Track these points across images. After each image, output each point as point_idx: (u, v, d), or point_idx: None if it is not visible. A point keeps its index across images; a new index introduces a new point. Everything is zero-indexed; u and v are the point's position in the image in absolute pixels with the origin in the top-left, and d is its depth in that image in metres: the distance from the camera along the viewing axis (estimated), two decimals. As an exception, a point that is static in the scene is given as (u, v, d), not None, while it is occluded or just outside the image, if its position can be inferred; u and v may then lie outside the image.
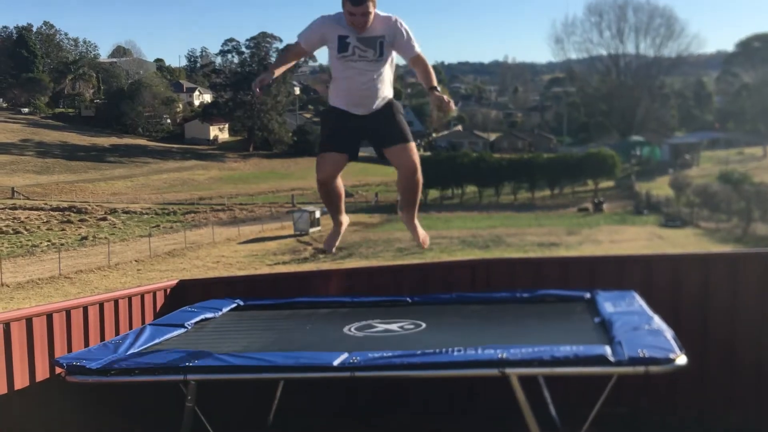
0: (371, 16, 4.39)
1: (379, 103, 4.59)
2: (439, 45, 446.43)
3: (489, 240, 35.95)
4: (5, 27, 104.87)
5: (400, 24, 4.51)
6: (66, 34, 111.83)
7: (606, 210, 52.68)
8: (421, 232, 4.87)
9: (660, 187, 58.63)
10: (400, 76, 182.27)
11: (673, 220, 43.86)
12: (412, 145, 4.66)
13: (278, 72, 4.66)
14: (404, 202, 4.86)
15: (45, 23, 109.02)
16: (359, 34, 4.43)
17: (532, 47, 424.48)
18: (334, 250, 5.09)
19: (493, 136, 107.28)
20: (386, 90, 4.63)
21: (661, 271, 5.71)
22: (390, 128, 4.60)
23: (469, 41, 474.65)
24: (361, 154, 4.77)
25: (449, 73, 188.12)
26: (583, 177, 64.81)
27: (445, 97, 4.43)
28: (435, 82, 4.49)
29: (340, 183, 4.79)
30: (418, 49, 4.54)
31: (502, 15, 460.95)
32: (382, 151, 4.64)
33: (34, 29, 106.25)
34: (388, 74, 4.62)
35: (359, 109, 4.55)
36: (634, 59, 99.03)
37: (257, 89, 4.49)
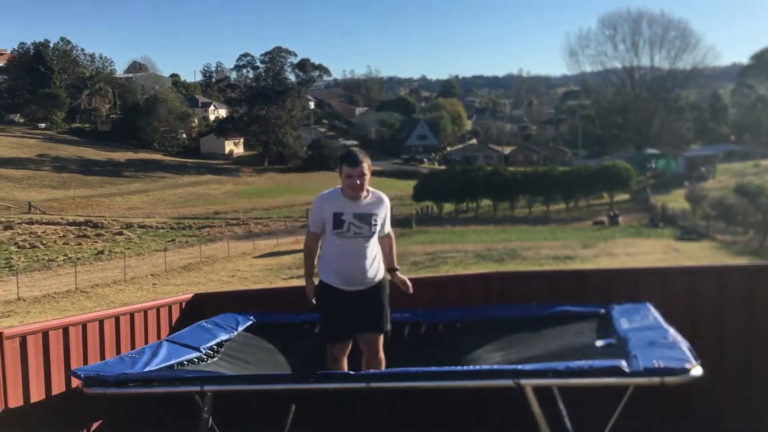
0: (367, 179, 4.70)
1: (371, 280, 4.89)
2: (453, 58, 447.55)
3: (504, 253, 35.80)
4: (23, 43, 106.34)
5: (388, 206, 4.93)
6: (82, 50, 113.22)
7: (621, 223, 52.40)
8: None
9: (676, 200, 58.31)
10: (414, 90, 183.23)
11: (689, 233, 43.55)
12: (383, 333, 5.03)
13: (312, 270, 5.10)
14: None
15: (62, 39, 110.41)
16: (356, 202, 4.73)
17: (547, 60, 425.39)
18: None
19: (507, 150, 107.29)
20: (378, 264, 4.94)
21: (677, 284, 5.68)
22: (376, 316, 4.92)
23: (484, 55, 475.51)
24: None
25: (464, 86, 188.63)
26: (598, 190, 64.57)
27: (407, 279, 5.05)
28: (396, 263, 5.08)
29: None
30: (388, 228, 4.99)
31: (517, 28, 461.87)
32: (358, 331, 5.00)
33: (51, 45, 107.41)
34: (378, 248, 4.95)
35: (353, 285, 4.84)
36: (648, 72, 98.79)
37: (314, 301, 5.00)
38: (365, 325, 4.91)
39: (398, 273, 5.07)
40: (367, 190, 4.77)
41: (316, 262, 5.05)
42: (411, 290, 5.07)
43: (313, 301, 4.96)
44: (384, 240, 4.98)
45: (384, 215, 4.86)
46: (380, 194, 4.87)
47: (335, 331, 4.95)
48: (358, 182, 4.66)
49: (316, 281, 4.99)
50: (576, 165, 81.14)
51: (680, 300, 5.55)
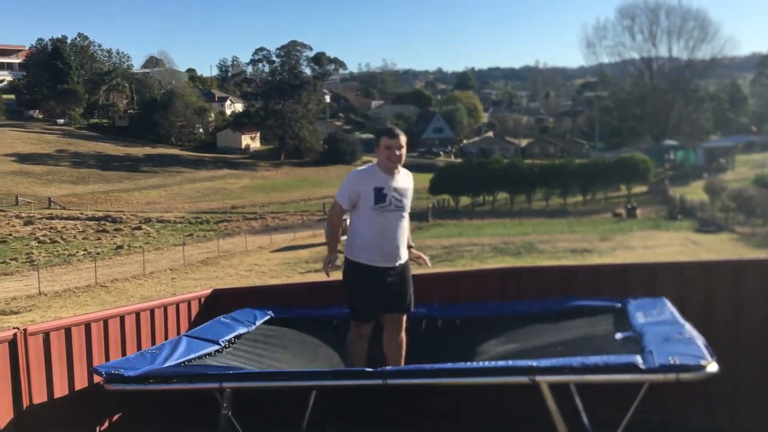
0: (404, 150, 4.84)
1: (404, 256, 5.00)
2: (469, 51, 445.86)
3: (521, 247, 35.72)
4: (41, 39, 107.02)
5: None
6: (100, 46, 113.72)
7: (639, 215, 52.10)
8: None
9: (694, 192, 57.88)
10: (430, 83, 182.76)
11: (708, 225, 43.24)
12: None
13: (337, 245, 5.14)
14: (390, 362, 5.09)
15: (79, 35, 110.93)
16: (393, 176, 4.86)
17: (564, 52, 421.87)
18: None
19: (524, 142, 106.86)
20: (407, 241, 5.06)
21: (694, 278, 5.66)
22: (405, 296, 5.05)
23: (500, 46, 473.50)
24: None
25: (480, 79, 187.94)
26: (615, 182, 64.16)
27: (422, 254, 5.22)
28: (411, 242, 5.17)
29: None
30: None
31: (533, 20, 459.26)
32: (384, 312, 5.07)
33: (69, 41, 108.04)
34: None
35: (389, 261, 4.92)
36: (667, 62, 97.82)
37: (328, 273, 5.07)
38: (394, 305, 5.00)
39: (413, 249, 5.18)
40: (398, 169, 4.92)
41: (343, 239, 5.11)
42: (429, 263, 5.24)
43: (329, 270, 5.03)
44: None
45: (412, 189, 5.04)
46: (406, 170, 5.03)
47: (367, 310, 5.00)
48: (398, 153, 4.79)
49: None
50: (593, 157, 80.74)
51: (697, 295, 5.54)
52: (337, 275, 5.17)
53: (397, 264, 4.95)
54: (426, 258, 5.27)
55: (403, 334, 5.11)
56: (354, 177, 4.93)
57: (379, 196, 4.80)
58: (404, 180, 4.96)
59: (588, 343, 4.54)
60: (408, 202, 4.97)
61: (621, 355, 3.83)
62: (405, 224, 4.98)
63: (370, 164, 4.98)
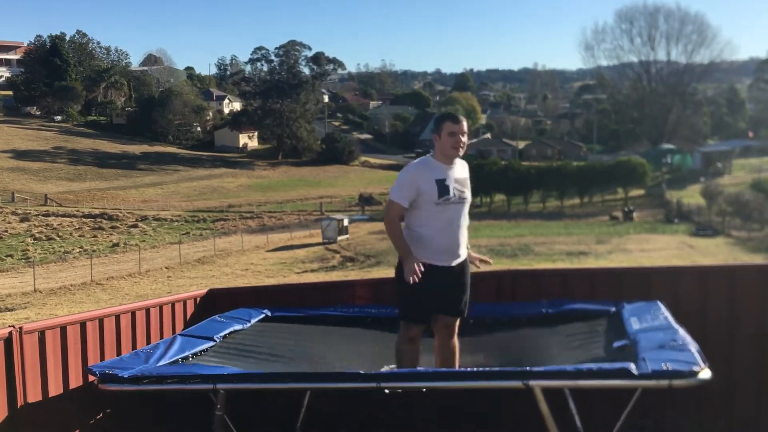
0: (466, 138, 4.55)
1: (464, 255, 4.70)
2: (468, 52, 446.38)
3: (517, 249, 35.81)
4: (39, 36, 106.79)
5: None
6: (98, 43, 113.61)
7: (636, 218, 52.23)
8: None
9: (691, 196, 58.03)
10: (428, 84, 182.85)
11: (705, 229, 43.36)
12: None
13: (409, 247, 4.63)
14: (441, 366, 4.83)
15: (78, 32, 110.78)
16: (451, 166, 4.58)
17: (562, 54, 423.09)
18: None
19: (521, 144, 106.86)
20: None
21: (688, 283, 5.68)
22: (461, 298, 4.72)
23: (499, 48, 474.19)
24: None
25: (478, 80, 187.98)
26: (613, 185, 64.32)
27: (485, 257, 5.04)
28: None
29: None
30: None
31: (532, 22, 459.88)
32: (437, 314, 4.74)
33: (67, 38, 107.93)
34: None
35: (452, 258, 4.61)
36: (665, 66, 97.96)
37: (417, 277, 4.44)
38: (448, 306, 4.69)
39: (472, 252, 4.91)
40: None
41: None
42: (491, 261, 5.07)
43: (413, 280, 4.44)
44: None
45: (469, 178, 4.75)
46: (461, 159, 4.71)
47: (419, 311, 4.66)
48: (463, 139, 4.52)
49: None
50: (591, 160, 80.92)
51: (692, 300, 5.55)
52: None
53: (457, 263, 4.64)
54: (488, 259, 5.05)
55: (456, 339, 4.78)
56: (412, 171, 4.57)
57: (443, 188, 4.49)
58: (462, 169, 4.67)
59: (582, 348, 4.55)
60: (469, 193, 4.67)
61: (614, 362, 3.85)
62: (467, 218, 4.70)
63: (424, 157, 4.68)
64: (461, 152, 4.55)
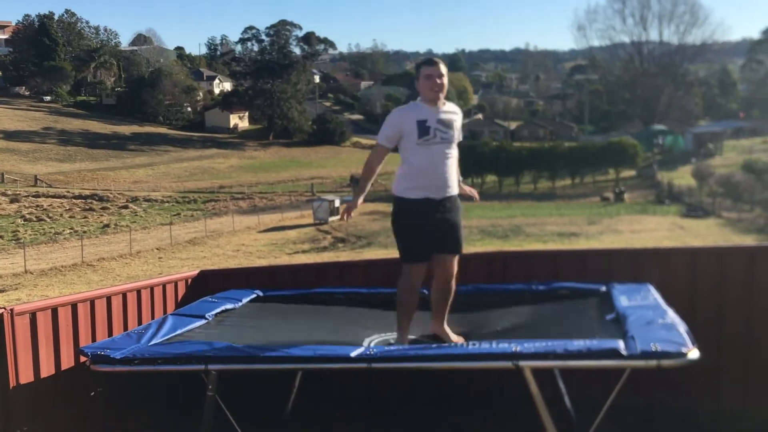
0: (446, 79, 4.69)
1: (454, 188, 4.80)
2: (460, 32, 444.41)
3: (508, 230, 35.89)
4: (27, 15, 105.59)
5: (461, 116, 4.90)
6: (87, 22, 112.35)
7: (627, 199, 52.36)
8: (454, 336, 4.84)
9: (682, 177, 58.14)
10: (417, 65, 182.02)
11: (695, 210, 43.53)
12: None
13: (365, 191, 4.88)
14: (436, 310, 4.90)
15: (67, 11, 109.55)
16: (436, 108, 4.68)
17: (554, 35, 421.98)
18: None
19: (513, 125, 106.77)
20: (456, 175, 4.88)
21: (678, 265, 5.71)
22: (456, 233, 4.80)
23: (491, 28, 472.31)
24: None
25: (470, 60, 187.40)
26: (604, 166, 64.32)
27: (472, 189, 5.14)
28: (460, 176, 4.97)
29: None
30: (461, 137, 4.88)
31: (524, 2, 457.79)
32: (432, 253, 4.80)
33: (56, 17, 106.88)
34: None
35: (439, 191, 4.71)
36: (657, 47, 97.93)
37: (345, 218, 4.97)
38: (445, 242, 4.74)
39: (462, 184, 4.99)
40: (443, 101, 4.76)
41: (372, 180, 4.89)
42: (478, 198, 5.16)
43: (348, 215, 4.90)
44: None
45: (460, 123, 4.85)
46: (454, 105, 4.87)
47: (419, 248, 4.70)
48: (438, 81, 4.66)
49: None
50: (582, 141, 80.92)
51: (681, 281, 5.59)
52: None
53: (447, 195, 4.73)
54: (476, 193, 5.15)
55: (454, 282, 4.85)
56: (395, 114, 4.76)
57: (423, 128, 4.61)
58: (450, 112, 4.76)
59: (572, 326, 4.59)
60: (455, 134, 4.75)
61: (603, 340, 3.88)
62: (453, 157, 4.78)
63: (411, 102, 4.81)
64: (440, 94, 4.68)
